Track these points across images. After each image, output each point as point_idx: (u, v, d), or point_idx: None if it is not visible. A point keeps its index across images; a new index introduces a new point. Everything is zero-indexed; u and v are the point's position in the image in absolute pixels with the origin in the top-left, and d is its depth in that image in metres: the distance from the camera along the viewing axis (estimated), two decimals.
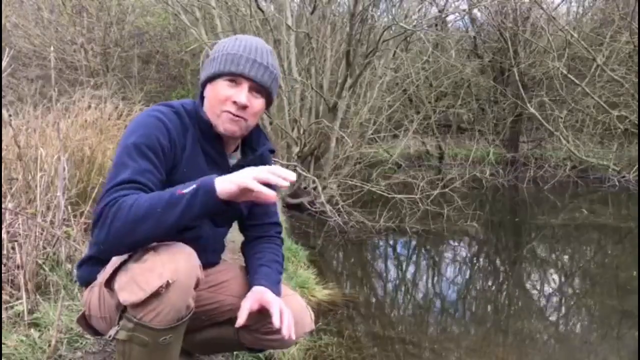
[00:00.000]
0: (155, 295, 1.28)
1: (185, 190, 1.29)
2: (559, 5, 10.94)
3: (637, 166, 8.32)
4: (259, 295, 1.50)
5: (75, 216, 2.86)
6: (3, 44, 7.37)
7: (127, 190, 1.32)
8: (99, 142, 3.41)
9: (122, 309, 1.37)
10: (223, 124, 1.48)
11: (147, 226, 1.27)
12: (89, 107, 3.93)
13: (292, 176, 1.29)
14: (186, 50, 8.47)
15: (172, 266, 1.29)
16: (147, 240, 1.30)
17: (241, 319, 1.45)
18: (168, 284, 1.28)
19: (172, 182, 1.43)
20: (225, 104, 1.47)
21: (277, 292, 1.55)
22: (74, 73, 7.99)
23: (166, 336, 1.35)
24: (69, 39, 8.44)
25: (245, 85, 1.47)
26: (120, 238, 1.29)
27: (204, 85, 1.54)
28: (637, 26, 8.12)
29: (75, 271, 1.65)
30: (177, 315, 1.33)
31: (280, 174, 1.28)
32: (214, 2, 6.97)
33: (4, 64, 2.48)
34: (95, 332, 1.61)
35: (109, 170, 1.41)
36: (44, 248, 2.50)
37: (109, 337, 1.40)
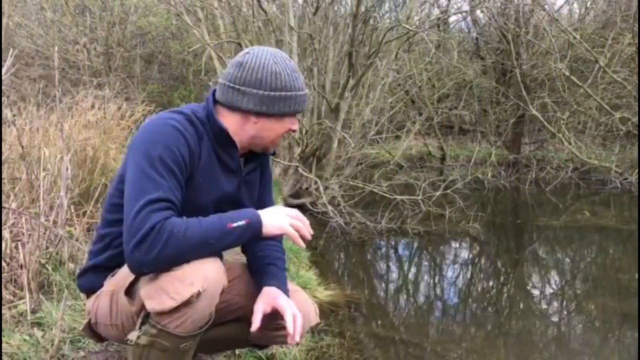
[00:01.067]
0: (185, 304, 1.31)
1: (234, 225, 1.38)
2: (561, 6, 10.96)
3: (638, 169, 8.31)
4: (271, 298, 1.53)
5: (78, 216, 2.88)
6: (7, 44, 7.38)
7: (166, 212, 1.34)
8: (102, 143, 3.43)
9: (145, 315, 1.39)
10: (268, 150, 1.63)
11: (198, 255, 1.35)
12: (92, 107, 3.95)
13: (311, 231, 1.50)
14: (188, 51, 8.48)
15: (202, 275, 1.33)
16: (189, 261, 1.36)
17: (256, 323, 1.48)
18: (199, 294, 1.32)
19: (189, 190, 1.47)
20: (283, 135, 1.59)
21: (286, 290, 1.58)
22: (77, 73, 8.01)
23: (187, 343, 1.39)
24: (72, 38, 8.47)
25: (298, 116, 1.61)
26: (168, 262, 1.33)
27: (257, 114, 1.52)
28: (638, 28, 8.12)
29: (77, 279, 1.66)
30: (201, 323, 1.38)
31: (307, 227, 1.48)
32: (216, 3, 6.98)
33: (7, 63, 2.49)
34: (101, 339, 1.62)
35: (132, 181, 1.38)
36: (47, 248, 2.51)
37: (129, 341, 1.41)
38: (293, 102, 1.51)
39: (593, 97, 8.62)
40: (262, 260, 1.65)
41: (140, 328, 1.41)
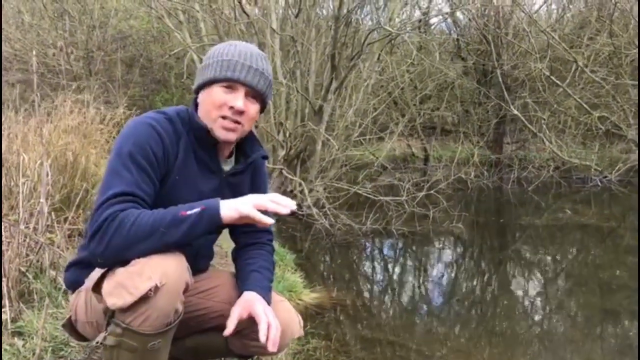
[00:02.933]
0: (144, 299, 1.28)
1: (189, 212, 1.33)
2: (540, 7, 11.10)
3: (619, 165, 8.45)
4: (248, 303, 1.50)
5: (59, 222, 2.83)
6: None
7: (125, 204, 1.33)
8: (82, 147, 3.38)
9: (110, 314, 1.35)
10: (219, 130, 1.49)
11: (147, 244, 1.30)
12: (72, 111, 3.89)
13: (292, 204, 1.36)
14: (170, 54, 8.43)
15: (161, 270, 1.29)
16: (145, 255, 1.31)
17: (229, 327, 1.45)
18: (157, 288, 1.27)
19: (165, 190, 1.45)
20: (222, 110, 1.48)
21: (267, 299, 1.55)
22: (56, 77, 7.90)
23: (155, 341, 1.34)
24: (51, 42, 8.35)
25: (241, 91, 1.48)
26: (119, 253, 1.31)
27: (197, 92, 1.54)
28: (638, 29, 8.24)
29: (62, 274, 1.63)
30: (166, 320, 1.33)
31: (280, 202, 1.35)
32: (198, 6, 6.95)
33: None
34: (81, 338, 1.59)
35: (103, 178, 1.40)
36: (27, 255, 2.47)
37: (97, 342, 1.39)
38: (222, 67, 1.47)
39: (572, 96, 8.75)
40: (247, 267, 1.64)
41: (106, 329, 1.37)
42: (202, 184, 1.53)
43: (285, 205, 1.36)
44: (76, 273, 1.55)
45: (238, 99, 1.47)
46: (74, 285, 1.56)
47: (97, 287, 1.38)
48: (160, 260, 1.30)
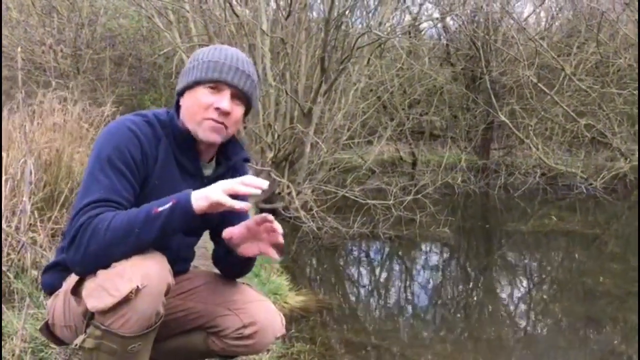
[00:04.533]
0: (125, 301, 1.26)
1: (161, 208, 1.30)
2: (529, 15, 11.19)
3: (604, 172, 8.54)
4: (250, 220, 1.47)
5: (42, 221, 2.79)
6: None
7: (101, 209, 1.31)
8: (67, 145, 3.34)
9: (90, 316, 1.33)
10: (204, 132, 1.46)
11: (124, 247, 1.28)
12: (57, 109, 3.84)
13: (264, 184, 1.31)
14: (159, 54, 8.38)
15: (142, 271, 1.27)
16: (124, 258, 1.29)
17: (233, 231, 1.44)
18: (138, 290, 1.25)
19: (145, 194, 1.42)
20: (207, 111, 1.45)
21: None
22: (43, 74, 7.81)
23: (135, 344, 1.32)
24: (38, 39, 8.26)
25: (227, 92, 1.46)
26: (96, 260, 1.29)
27: (180, 94, 1.51)
28: (638, 31, 8.33)
29: (40, 277, 1.61)
30: (147, 323, 1.31)
31: (251, 183, 1.30)
32: (188, 6, 6.91)
33: None
34: (59, 342, 1.57)
35: (82, 183, 1.39)
36: (9, 254, 2.43)
37: (75, 345, 1.36)
38: (209, 68, 1.45)
39: (559, 104, 8.84)
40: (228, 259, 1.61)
41: (85, 331, 1.35)
42: (182, 188, 1.47)
43: (256, 185, 1.30)
44: (54, 276, 1.52)
45: (224, 100, 1.45)
46: (51, 288, 1.54)
47: (75, 290, 1.37)
48: (141, 262, 1.29)
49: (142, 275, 1.27)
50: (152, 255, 1.32)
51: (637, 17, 8.04)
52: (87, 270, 1.31)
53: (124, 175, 1.37)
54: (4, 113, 3.38)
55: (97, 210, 1.30)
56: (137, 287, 1.25)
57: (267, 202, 6.43)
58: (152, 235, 1.30)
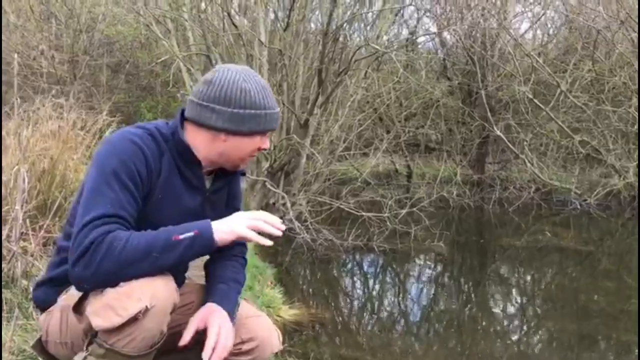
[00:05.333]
0: (132, 321, 1.25)
1: (182, 237, 1.31)
2: (526, 31, 11.28)
3: (599, 189, 8.57)
4: (206, 315, 1.47)
5: (34, 230, 2.76)
6: None
7: (110, 226, 1.29)
8: (61, 153, 3.31)
9: (93, 334, 1.32)
10: (240, 167, 1.59)
11: (139, 269, 1.28)
12: (52, 116, 3.82)
13: (282, 225, 1.40)
14: (157, 62, 8.37)
15: (151, 291, 1.27)
16: (134, 279, 1.28)
17: (185, 337, 1.42)
18: (147, 310, 1.25)
19: (148, 207, 1.42)
20: (253, 153, 1.54)
21: (231, 311, 1.51)
22: (40, 80, 7.79)
23: None
24: (35, 44, 8.25)
25: (269, 134, 1.55)
26: (107, 279, 1.27)
27: (222, 131, 1.48)
28: (638, 33, 8.40)
29: (32, 293, 1.58)
30: (151, 342, 1.31)
31: (273, 223, 1.38)
32: (186, 15, 6.93)
33: None
34: (52, 358, 1.54)
35: (85, 196, 1.36)
36: None
37: None
38: (263, 120, 1.49)
39: (555, 120, 8.88)
40: (215, 279, 1.60)
41: (87, 348, 1.33)
42: (187, 201, 1.51)
43: (278, 227, 1.39)
44: (48, 292, 1.50)
45: (266, 141, 1.54)
46: (44, 304, 1.51)
47: (77, 307, 1.36)
48: (149, 282, 1.28)
49: (151, 296, 1.26)
50: (160, 275, 1.31)
51: (632, 35, 8.12)
52: (95, 287, 1.30)
53: (129, 190, 1.36)
54: None
55: (108, 227, 1.29)
56: (146, 307, 1.25)
57: None
58: (170, 262, 1.31)
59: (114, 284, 1.28)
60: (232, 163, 1.55)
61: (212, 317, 1.45)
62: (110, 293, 1.27)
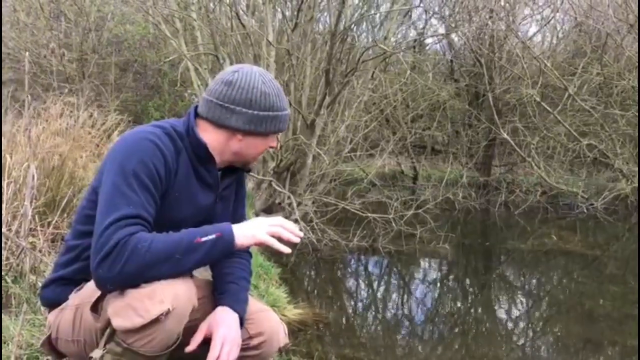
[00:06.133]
0: (154, 322, 1.27)
1: (204, 239, 1.34)
2: (534, 34, 11.24)
3: (606, 193, 8.53)
4: (215, 322, 1.50)
5: (42, 226, 2.79)
6: None
7: (133, 227, 1.31)
8: (71, 151, 3.34)
9: (111, 333, 1.34)
10: (246, 165, 1.65)
11: (162, 271, 1.30)
12: (62, 114, 3.85)
13: (300, 233, 1.44)
14: (165, 61, 8.41)
15: (172, 293, 1.29)
16: (156, 280, 1.31)
17: (192, 344, 1.46)
18: (168, 312, 1.27)
19: (165, 206, 1.45)
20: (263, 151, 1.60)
21: (242, 312, 1.55)
22: (49, 78, 7.84)
23: None
24: (45, 43, 8.30)
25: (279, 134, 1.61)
26: (131, 279, 1.29)
27: (237, 130, 1.53)
28: (638, 35, 8.35)
29: (39, 291, 1.60)
30: (169, 343, 1.33)
31: (290, 229, 1.42)
32: (195, 15, 6.95)
33: None
34: (60, 355, 1.56)
35: (105, 195, 1.37)
36: (7, 259, 2.42)
37: (92, 359, 1.36)
38: (278, 121, 1.55)
39: (562, 123, 8.85)
40: (224, 278, 1.62)
41: (104, 346, 1.35)
42: (201, 199, 1.55)
43: (296, 234, 1.43)
44: (57, 290, 1.52)
45: (275, 140, 1.61)
46: (54, 303, 1.54)
47: (94, 306, 1.38)
48: (171, 284, 1.30)
49: (173, 297, 1.29)
50: (181, 277, 1.34)
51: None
52: (118, 288, 1.31)
53: (149, 191, 1.39)
54: (10, 116, 3.38)
55: (133, 229, 1.31)
56: (169, 309, 1.27)
57: (267, 212, 6.43)
58: (192, 264, 1.34)
59: (136, 284, 1.30)
60: (244, 161, 1.61)
61: (217, 328, 1.48)
62: (131, 294, 1.29)
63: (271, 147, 1.61)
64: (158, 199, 1.42)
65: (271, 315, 1.65)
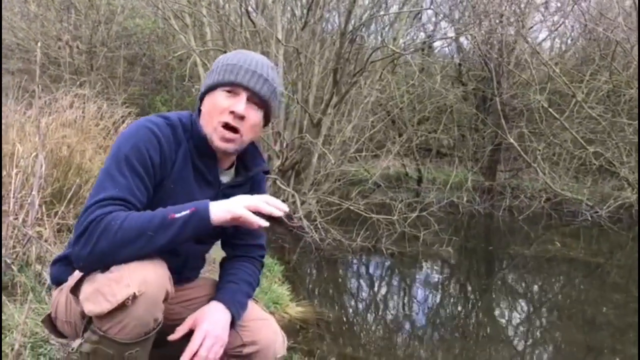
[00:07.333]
0: (121, 307, 1.24)
1: (178, 215, 1.29)
2: (543, 40, 11.22)
3: (611, 201, 8.51)
4: (202, 316, 1.47)
5: (49, 216, 2.80)
6: None
7: (113, 207, 1.29)
8: (79, 142, 3.35)
9: (88, 320, 1.33)
10: (217, 140, 1.46)
11: (134, 248, 1.26)
12: (71, 105, 3.87)
13: (285, 207, 1.35)
14: (173, 56, 8.43)
15: (140, 278, 1.26)
16: (130, 260, 1.27)
17: (176, 334, 1.44)
18: (135, 296, 1.24)
19: (159, 197, 1.42)
20: (223, 115, 1.45)
21: (235, 312, 1.51)
22: (57, 69, 7.87)
23: (132, 350, 1.30)
24: (55, 34, 8.33)
25: (243, 95, 1.46)
26: (104, 257, 1.27)
27: (202, 99, 1.51)
28: (638, 36, 8.32)
29: (48, 268, 1.61)
30: (144, 329, 1.30)
31: (274, 204, 1.34)
32: (205, 10, 6.97)
33: None
34: (60, 335, 1.56)
35: (97, 180, 1.37)
36: (14, 247, 2.44)
37: (72, 349, 1.36)
38: (226, 71, 1.46)
39: (569, 130, 8.83)
40: (227, 277, 1.60)
41: (83, 335, 1.35)
42: (198, 194, 1.49)
43: (278, 207, 1.35)
44: (61, 269, 1.52)
45: (239, 103, 1.44)
46: (58, 281, 1.53)
47: (75, 290, 1.36)
48: (139, 268, 1.27)
49: (140, 282, 1.25)
50: (152, 262, 1.30)
51: None
52: (91, 267, 1.30)
53: (140, 177, 1.36)
54: (19, 107, 3.40)
55: (110, 208, 1.29)
56: (134, 293, 1.24)
57: None
58: (165, 241, 1.28)
59: (109, 263, 1.27)
60: (210, 130, 1.47)
61: (202, 322, 1.44)
62: (100, 278, 1.27)
63: (236, 116, 1.44)
64: (150, 185, 1.39)
65: (269, 325, 1.60)
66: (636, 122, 8.54)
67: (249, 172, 1.60)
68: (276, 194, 6.50)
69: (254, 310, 1.61)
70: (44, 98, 3.46)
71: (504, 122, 9.30)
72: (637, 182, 8.33)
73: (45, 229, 2.64)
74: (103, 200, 1.30)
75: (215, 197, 1.51)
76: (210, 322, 1.45)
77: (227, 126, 1.45)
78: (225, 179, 1.58)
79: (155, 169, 1.40)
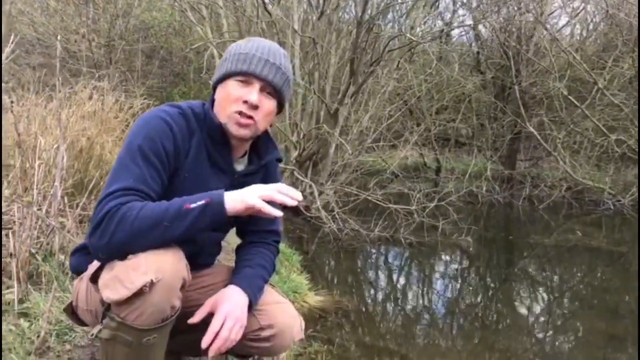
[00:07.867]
0: (139, 294, 1.26)
1: (193, 205, 1.30)
2: (563, 26, 11.03)
3: (634, 189, 8.36)
4: (221, 299, 1.47)
5: (71, 207, 2.84)
6: (8, 30, 7.34)
7: (128, 197, 1.31)
8: (99, 134, 3.39)
9: (107, 307, 1.34)
10: (233, 125, 1.46)
11: (150, 238, 1.28)
12: (91, 98, 3.91)
13: (299, 196, 1.35)
14: (191, 48, 8.46)
15: (157, 265, 1.27)
16: (147, 249, 1.29)
17: (196, 316, 1.45)
18: (152, 283, 1.26)
19: (174, 187, 1.43)
20: (237, 104, 1.45)
21: (252, 296, 1.51)
22: (77, 63, 7.96)
23: (150, 337, 1.32)
24: (74, 28, 8.42)
25: (256, 85, 1.45)
26: (121, 248, 1.29)
27: (215, 88, 1.52)
28: (638, 37, 8.16)
29: (69, 258, 1.64)
30: (162, 316, 1.31)
31: (287, 193, 1.34)
32: (221, 2, 6.98)
33: (7, 49, 2.47)
34: (81, 322, 1.59)
35: (111, 170, 1.38)
36: (38, 237, 2.48)
37: (92, 335, 1.38)
38: (239, 60, 1.45)
39: (590, 118, 8.69)
40: (243, 262, 1.61)
41: (102, 322, 1.36)
42: (212, 183, 1.49)
43: (292, 196, 1.35)
44: (81, 259, 1.54)
45: (252, 93, 1.44)
46: (78, 270, 1.56)
47: (94, 278, 1.38)
48: (157, 256, 1.28)
49: (157, 269, 1.27)
50: (169, 249, 1.31)
51: None
52: (109, 257, 1.31)
53: (154, 167, 1.37)
54: (40, 100, 3.45)
55: (126, 199, 1.30)
56: (152, 280, 1.25)
57: None
58: (180, 231, 1.30)
59: (127, 253, 1.29)
60: (224, 118, 1.47)
61: (222, 304, 1.45)
62: (118, 266, 1.29)
63: (250, 105, 1.44)
64: (164, 175, 1.40)
65: (286, 308, 1.61)
66: None
67: (261, 161, 1.61)
68: (294, 184, 6.52)
69: (271, 295, 1.62)
70: (64, 91, 3.51)
71: (523, 110, 9.18)
72: (638, 178, 8.18)
73: (68, 219, 2.68)
74: (118, 190, 1.31)
75: (230, 186, 1.50)
76: (230, 304, 1.46)
77: (241, 114, 1.46)
78: (239, 167, 1.58)
79: (169, 158, 1.41)
